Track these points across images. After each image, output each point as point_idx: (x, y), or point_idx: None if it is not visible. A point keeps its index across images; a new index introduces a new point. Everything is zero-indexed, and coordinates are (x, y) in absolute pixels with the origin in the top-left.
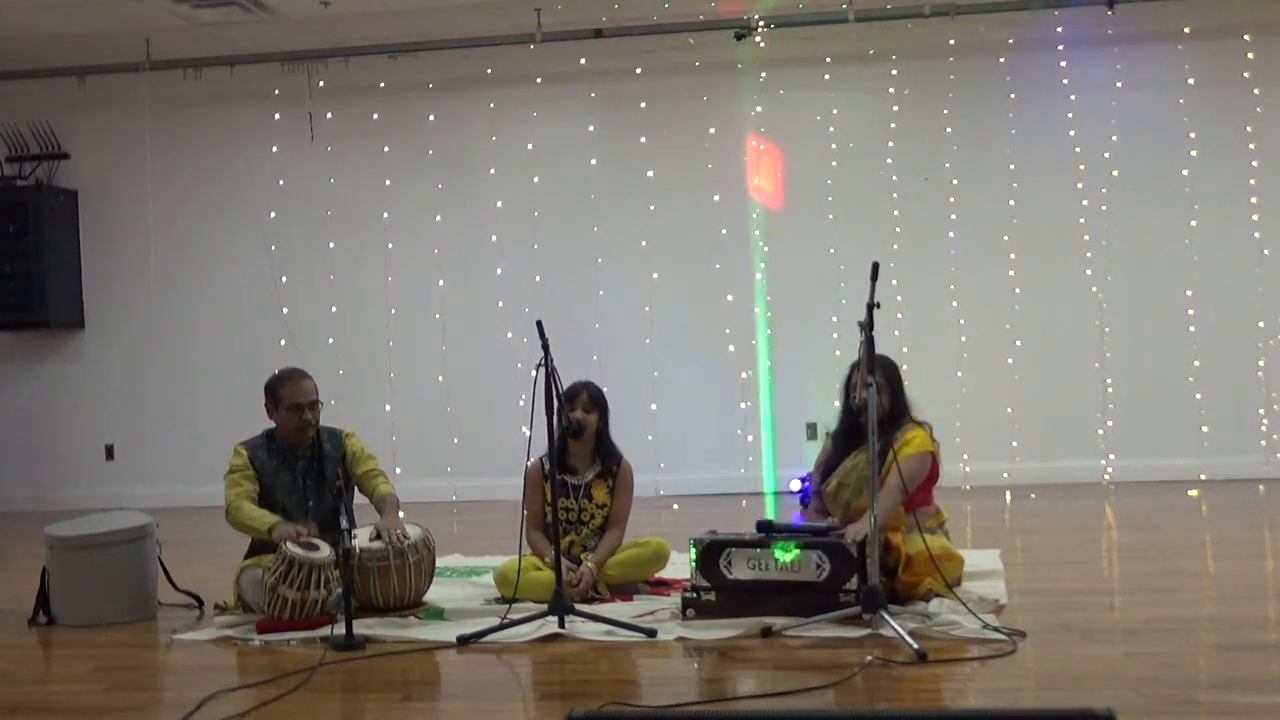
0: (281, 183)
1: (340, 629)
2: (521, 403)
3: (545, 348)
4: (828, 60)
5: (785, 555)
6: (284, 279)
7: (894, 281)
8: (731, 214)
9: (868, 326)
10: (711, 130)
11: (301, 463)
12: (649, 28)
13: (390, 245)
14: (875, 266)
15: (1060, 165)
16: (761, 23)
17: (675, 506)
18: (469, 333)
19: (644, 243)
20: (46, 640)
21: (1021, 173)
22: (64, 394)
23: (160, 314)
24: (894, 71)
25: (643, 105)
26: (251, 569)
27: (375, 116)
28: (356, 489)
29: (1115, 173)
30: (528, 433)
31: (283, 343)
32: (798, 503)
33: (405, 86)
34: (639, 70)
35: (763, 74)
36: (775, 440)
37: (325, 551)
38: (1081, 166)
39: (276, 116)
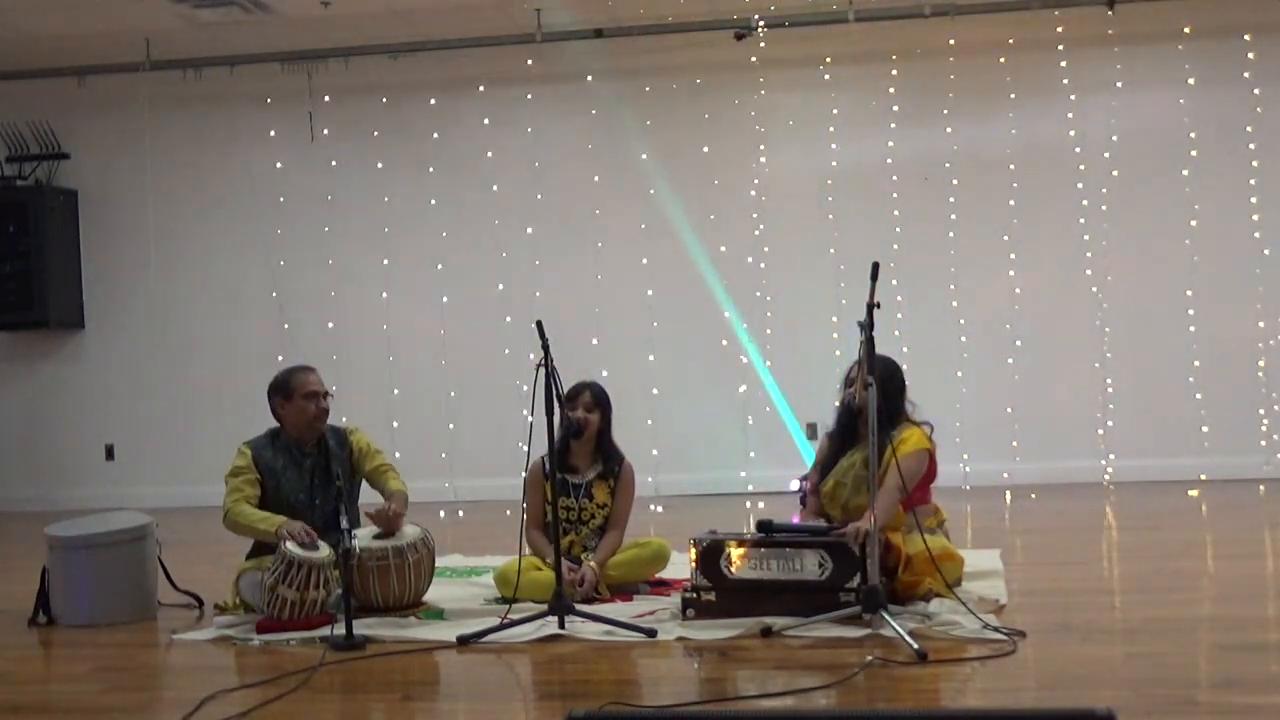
0: (281, 183)
1: (340, 629)
2: (524, 414)
3: (545, 348)
4: (828, 60)
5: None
6: (283, 276)
7: (894, 281)
8: (732, 213)
9: (868, 326)
10: (711, 130)
11: (309, 460)
12: (649, 28)
13: (390, 245)
14: (875, 266)
15: (1060, 165)
16: (762, 23)
17: (675, 506)
18: (469, 333)
19: (644, 243)
20: (46, 640)
21: (1021, 173)
22: (64, 394)
23: (160, 314)
24: (894, 71)
25: (643, 105)
26: (251, 572)
27: (375, 116)
28: (366, 485)
29: (1115, 173)
30: (529, 420)
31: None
32: (797, 503)
33: (405, 86)
34: (639, 70)
35: (763, 74)
36: (774, 440)
37: (325, 551)
38: (1081, 166)
39: (276, 116)
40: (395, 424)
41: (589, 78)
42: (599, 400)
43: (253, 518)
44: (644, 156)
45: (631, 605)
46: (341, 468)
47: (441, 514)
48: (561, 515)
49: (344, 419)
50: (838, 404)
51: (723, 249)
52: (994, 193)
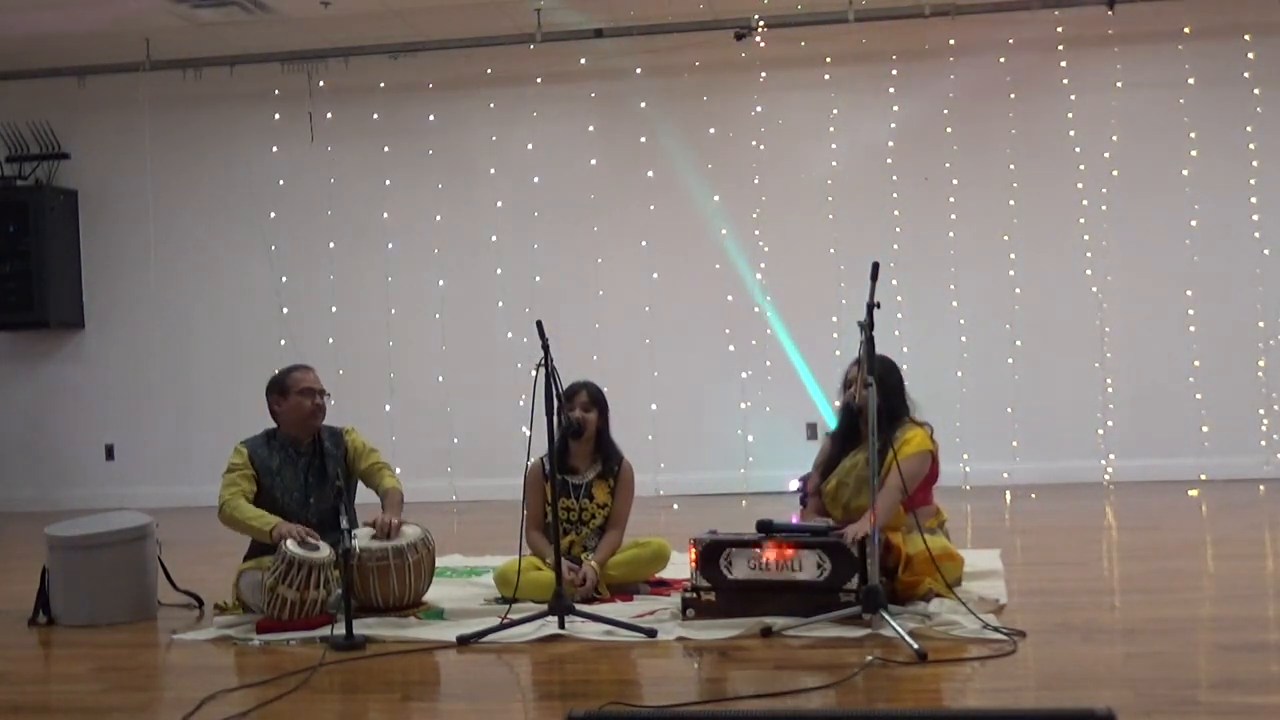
0: (281, 183)
1: (340, 629)
2: (522, 403)
3: (545, 348)
4: (828, 60)
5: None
6: (284, 279)
7: (894, 281)
8: (731, 214)
9: (868, 326)
10: (711, 130)
11: (304, 459)
12: (649, 28)
13: (390, 245)
14: (875, 266)
15: (1060, 165)
16: (761, 23)
17: (675, 506)
18: (469, 333)
19: (644, 243)
20: (46, 640)
21: (1021, 173)
22: (64, 394)
23: (160, 314)
24: (894, 71)
25: (643, 105)
26: (251, 572)
27: (375, 116)
28: (361, 485)
29: (1115, 173)
30: (528, 433)
31: (283, 342)
32: (796, 503)
33: (405, 86)
34: (639, 70)
35: (763, 74)
36: (775, 440)
37: (325, 551)
38: (1081, 166)
39: (276, 116)
40: (395, 424)
41: (589, 78)
42: (596, 399)
43: (249, 515)
44: (644, 156)
45: (631, 605)
46: (338, 467)
47: (442, 514)
48: (562, 515)
49: (343, 419)
50: (837, 404)
51: (722, 249)
52: (994, 193)
